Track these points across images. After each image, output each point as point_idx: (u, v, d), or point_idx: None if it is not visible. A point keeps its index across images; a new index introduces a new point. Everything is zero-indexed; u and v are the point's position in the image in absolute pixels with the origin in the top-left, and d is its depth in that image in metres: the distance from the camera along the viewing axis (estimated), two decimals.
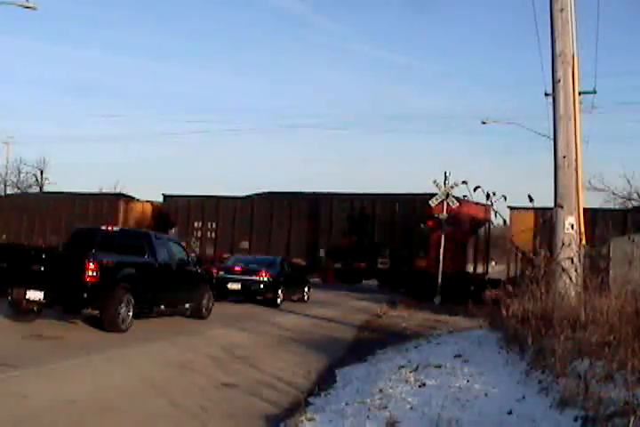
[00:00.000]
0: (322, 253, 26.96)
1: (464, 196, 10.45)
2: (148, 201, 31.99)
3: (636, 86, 69.22)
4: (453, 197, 23.78)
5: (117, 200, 31.85)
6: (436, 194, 24.21)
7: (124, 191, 41.68)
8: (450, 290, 23.04)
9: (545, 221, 22.34)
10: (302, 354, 10.48)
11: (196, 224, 28.35)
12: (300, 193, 28.69)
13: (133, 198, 32.35)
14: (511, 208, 24.70)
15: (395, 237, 25.86)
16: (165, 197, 31.06)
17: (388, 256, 25.80)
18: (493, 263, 29.33)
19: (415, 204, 25.48)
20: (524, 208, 24.32)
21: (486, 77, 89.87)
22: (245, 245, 27.48)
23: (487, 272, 27.56)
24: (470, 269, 26.47)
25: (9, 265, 11.38)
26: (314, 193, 28.51)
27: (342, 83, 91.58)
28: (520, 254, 25.50)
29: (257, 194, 29.35)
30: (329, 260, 26.74)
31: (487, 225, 27.21)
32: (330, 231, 26.98)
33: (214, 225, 28.27)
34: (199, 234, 28.65)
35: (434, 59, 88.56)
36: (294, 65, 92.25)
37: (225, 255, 25.49)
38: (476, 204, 25.72)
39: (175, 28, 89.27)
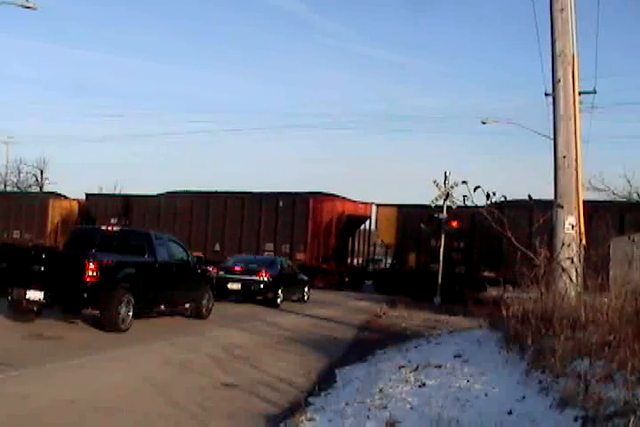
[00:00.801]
0: (217, 246, 29.33)
1: (464, 196, 10.40)
2: (75, 199, 35.07)
3: (636, 86, 69.21)
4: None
5: (48, 198, 34.96)
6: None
7: (126, 191, 42.31)
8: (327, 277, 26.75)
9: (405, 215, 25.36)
10: (302, 354, 10.48)
11: (112, 220, 30.46)
12: (202, 192, 31.12)
13: (63, 196, 35.63)
14: (377, 205, 27.41)
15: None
16: (88, 195, 34.89)
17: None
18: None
19: (295, 201, 27.93)
20: (387, 205, 26.68)
21: (486, 77, 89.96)
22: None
23: (367, 265, 30.28)
24: (354, 261, 29.27)
25: (9, 265, 11.39)
26: (216, 191, 30.82)
27: (342, 83, 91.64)
28: (386, 248, 27.50)
29: (169, 192, 32.05)
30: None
31: (369, 221, 29.26)
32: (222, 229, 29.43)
33: (128, 222, 30.95)
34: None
35: (434, 59, 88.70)
36: (294, 65, 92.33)
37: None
38: (354, 202, 28.98)
39: (175, 28, 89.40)
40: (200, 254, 26.47)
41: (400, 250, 26.38)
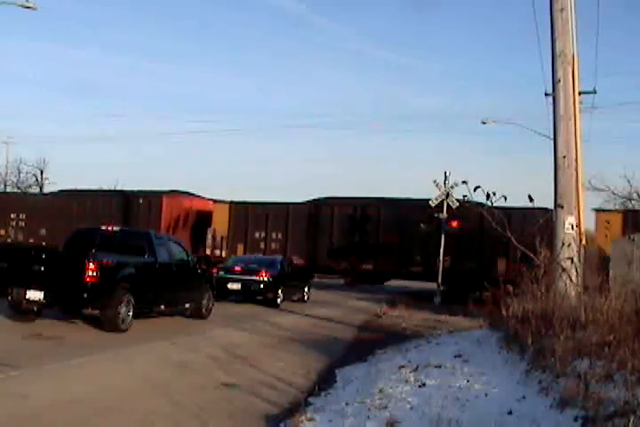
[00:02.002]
0: None
1: (464, 196, 10.41)
2: None
3: (636, 86, 69.18)
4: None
5: None
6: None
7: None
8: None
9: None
10: (302, 354, 10.48)
11: (12, 216, 32.59)
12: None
13: None
14: (214, 201, 30.57)
15: None
16: None
17: None
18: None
19: (151, 199, 30.30)
20: (222, 201, 30.12)
21: (486, 77, 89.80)
22: (43, 231, 31.23)
23: (222, 255, 31.10)
24: (212, 252, 29.85)
25: (9, 265, 11.39)
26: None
27: (342, 83, 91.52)
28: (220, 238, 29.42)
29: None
30: None
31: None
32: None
33: (24, 216, 32.56)
34: (14, 224, 32.69)
35: (434, 59, 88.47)
36: (294, 65, 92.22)
37: (31, 240, 31.08)
38: (202, 198, 31.63)
39: (175, 29, 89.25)
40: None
41: (232, 241, 28.87)
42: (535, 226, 10.41)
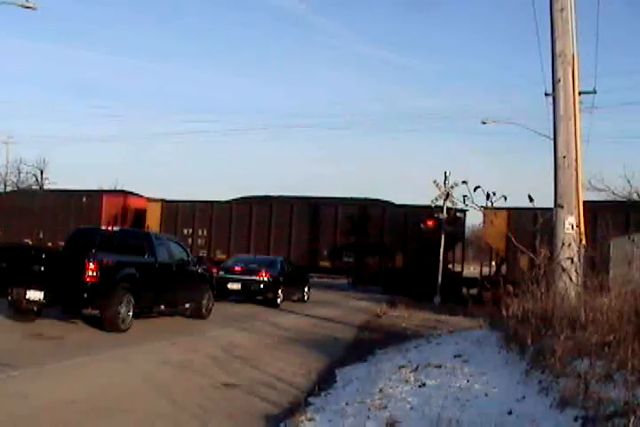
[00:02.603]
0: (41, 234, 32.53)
1: (464, 196, 10.42)
2: None
3: (636, 86, 69.19)
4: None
5: None
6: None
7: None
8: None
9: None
10: (302, 354, 10.48)
11: None
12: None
13: None
14: (148, 200, 32.24)
15: None
16: None
17: None
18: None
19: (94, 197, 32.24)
20: (155, 200, 31.99)
21: (486, 77, 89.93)
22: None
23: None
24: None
25: (9, 265, 11.39)
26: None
27: (342, 83, 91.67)
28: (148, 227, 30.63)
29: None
30: None
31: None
32: None
33: None
34: None
35: (434, 59, 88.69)
36: (294, 65, 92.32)
37: None
38: (140, 197, 33.24)
39: (175, 28, 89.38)
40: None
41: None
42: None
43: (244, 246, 28.47)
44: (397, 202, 28.15)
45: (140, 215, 31.56)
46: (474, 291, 23.75)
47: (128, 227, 30.97)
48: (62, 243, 26.39)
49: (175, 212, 30.43)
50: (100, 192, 33.60)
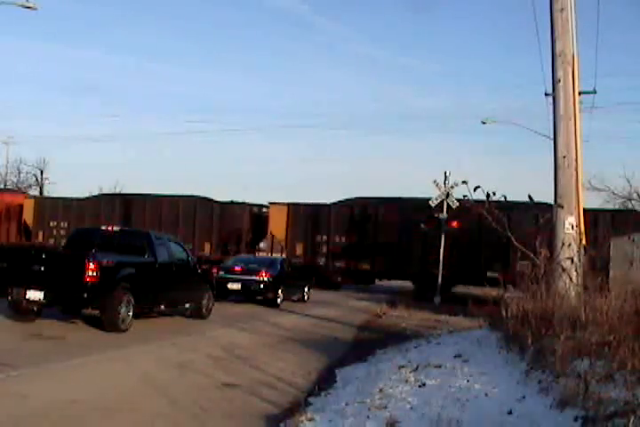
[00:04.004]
0: None
1: (464, 196, 10.43)
2: None
3: (636, 86, 69.09)
4: None
5: None
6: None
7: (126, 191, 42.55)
8: None
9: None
10: (302, 354, 10.48)
11: None
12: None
13: None
14: (25, 196, 34.98)
15: None
16: None
17: None
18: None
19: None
20: (33, 196, 35.31)
21: (486, 77, 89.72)
22: None
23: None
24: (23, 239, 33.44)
25: (9, 265, 11.39)
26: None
27: (342, 83, 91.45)
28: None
29: None
30: None
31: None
32: None
33: None
34: None
35: (434, 59, 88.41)
36: (294, 65, 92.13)
37: None
38: (14, 191, 37.27)
39: (175, 28, 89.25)
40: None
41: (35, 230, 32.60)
42: None
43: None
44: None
45: (17, 211, 33.31)
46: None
47: (16, 222, 33.26)
48: None
49: (44, 207, 32.62)
50: None
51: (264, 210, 29.62)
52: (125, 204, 31.23)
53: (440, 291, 23.48)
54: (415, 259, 25.55)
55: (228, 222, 28.70)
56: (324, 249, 27.03)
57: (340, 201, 27.70)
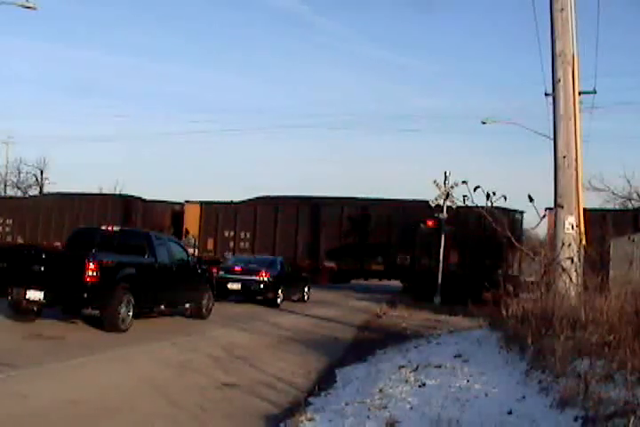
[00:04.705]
0: None
1: (464, 196, 10.43)
2: None
3: (636, 86, 69.10)
4: None
5: None
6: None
7: (126, 192, 42.69)
8: None
9: None
10: (302, 354, 10.48)
11: None
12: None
13: None
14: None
15: None
16: None
17: None
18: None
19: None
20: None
21: (486, 77, 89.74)
22: None
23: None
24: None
25: (9, 265, 11.39)
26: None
27: (342, 83, 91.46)
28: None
29: None
30: None
31: None
32: None
33: None
34: None
35: (434, 59, 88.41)
36: (294, 65, 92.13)
37: None
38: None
39: (175, 28, 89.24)
40: None
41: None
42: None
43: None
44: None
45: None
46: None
47: None
48: None
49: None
50: None
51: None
52: (60, 203, 32.31)
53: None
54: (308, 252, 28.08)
55: (152, 219, 30.50)
56: (231, 244, 29.18)
57: (247, 200, 30.14)
